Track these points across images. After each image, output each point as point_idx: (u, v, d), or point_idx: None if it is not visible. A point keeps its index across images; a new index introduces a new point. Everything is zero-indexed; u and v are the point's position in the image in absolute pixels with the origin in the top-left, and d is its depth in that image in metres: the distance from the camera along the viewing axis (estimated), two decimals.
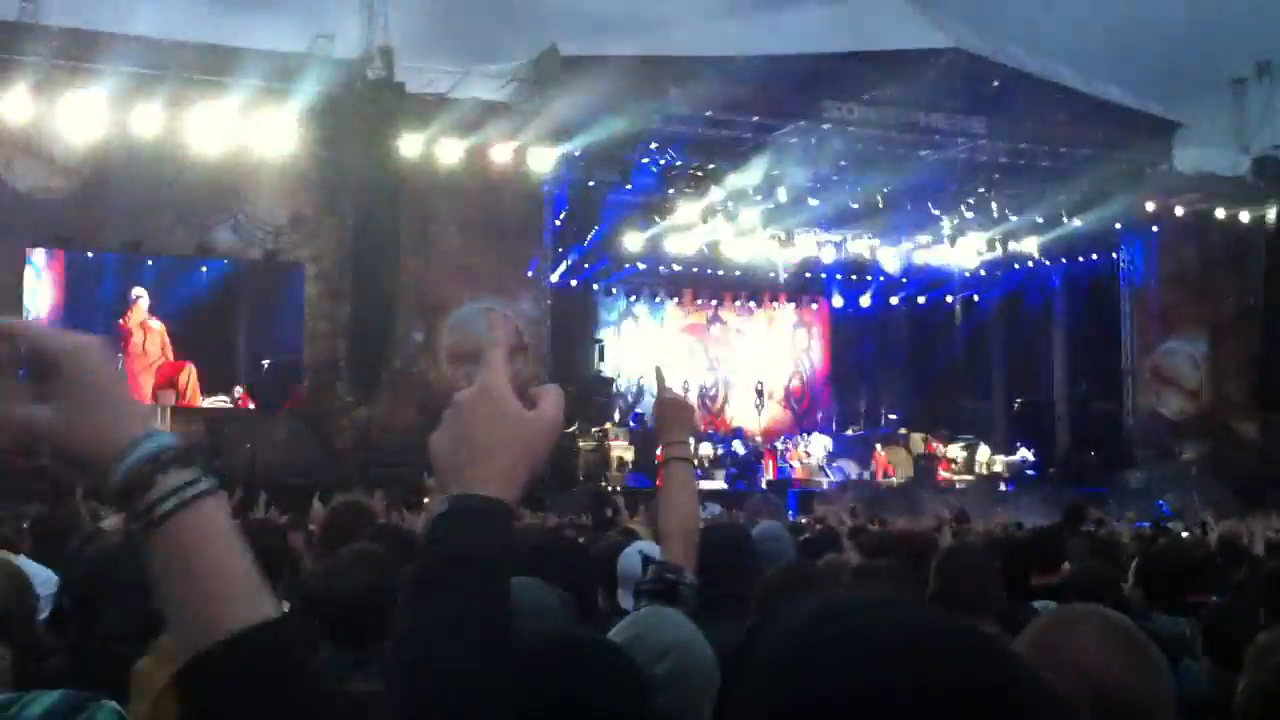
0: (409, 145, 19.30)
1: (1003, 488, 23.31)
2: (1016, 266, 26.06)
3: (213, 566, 1.27)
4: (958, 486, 22.95)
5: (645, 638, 2.51)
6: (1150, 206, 23.79)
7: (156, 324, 18.86)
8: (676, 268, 25.29)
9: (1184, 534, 11.99)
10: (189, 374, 18.31)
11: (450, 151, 19.87)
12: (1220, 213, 24.38)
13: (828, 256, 25.24)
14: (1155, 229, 24.34)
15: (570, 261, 23.21)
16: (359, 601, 2.87)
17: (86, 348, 1.32)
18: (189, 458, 1.29)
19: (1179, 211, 24.10)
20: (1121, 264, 24.81)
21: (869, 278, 27.29)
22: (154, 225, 18.51)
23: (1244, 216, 24.43)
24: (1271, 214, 24.34)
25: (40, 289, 19.02)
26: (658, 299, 27.33)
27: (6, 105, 17.36)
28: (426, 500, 9.77)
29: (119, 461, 1.27)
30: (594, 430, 22.76)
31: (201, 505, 1.28)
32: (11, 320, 1.35)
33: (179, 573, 1.27)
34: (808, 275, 26.93)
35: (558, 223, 21.56)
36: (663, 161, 21.10)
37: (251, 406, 19.23)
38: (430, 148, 19.68)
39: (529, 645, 1.83)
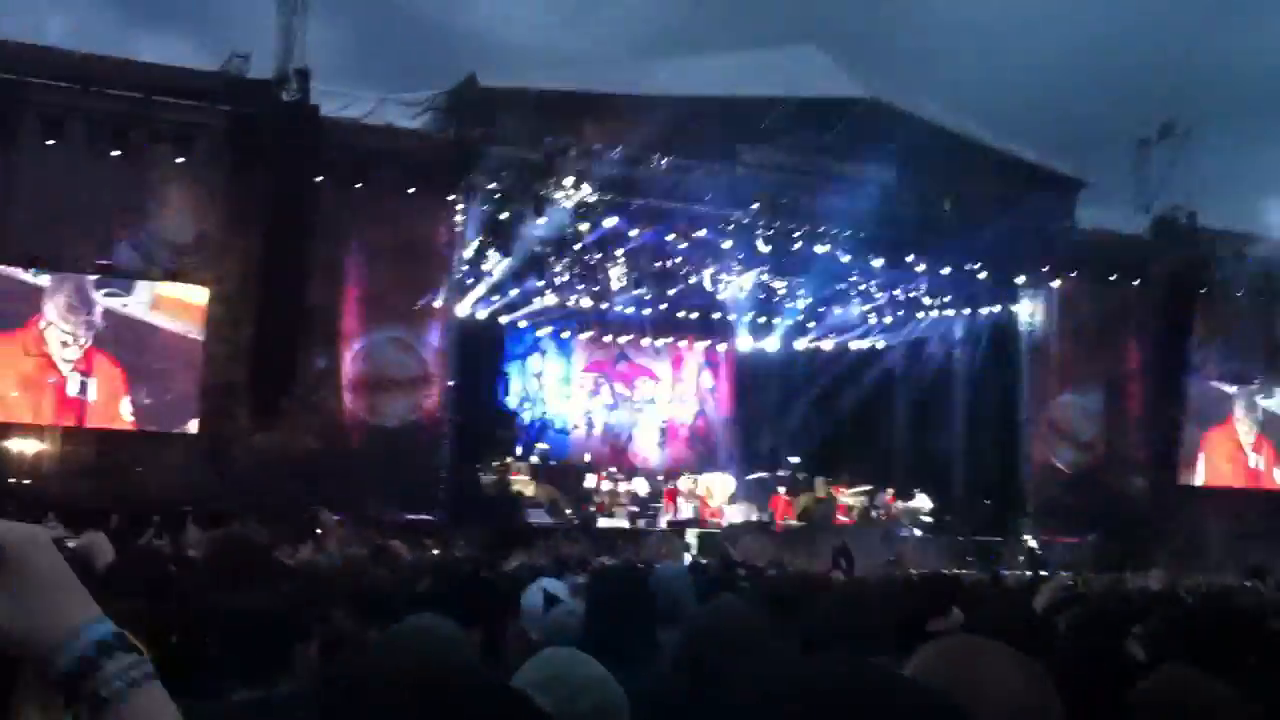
0: (321, 169, 19.09)
1: (902, 533, 23.57)
2: (920, 315, 26.46)
3: None
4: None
5: (564, 675, 2.54)
6: (1051, 263, 24.36)
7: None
8: (585, 303, 25.22)
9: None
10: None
11: (362, 178, 19.69)
12: (1119, 270, 25.06)
13: (736, 298, 25.43)
14: (1055, 284, 24.90)
15: (479, 293, 23.06)
16: (267, 634, 2.86)
17: (29, 539, 1.29)
18: (129, 642, 1.29)
19: (1079, 268, 24.71)
20: (1022, 317, 25.31)
21: (775, 320, 27.50)
22: (55, 239, 18.09)
23: (1141, 274, 25.11)
24: (1167, 272, 24.96)
25: None
26: (565, 334, 27.28)
27: None
28: (319, 531, 9.65)
29: (63, 649, 1.25)
30: (495, 464, 22.64)
31: (148, 686, 1.27)
32: None
33: None
34: (715, 316, 27.06)
35: (468, 253, 21.42)
36: (576, 197, 21.08)
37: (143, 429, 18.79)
38: (342, 173, 19.49)
39: (435, 689, 1.79)
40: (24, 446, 18.05)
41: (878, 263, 23.81)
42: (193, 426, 18.72)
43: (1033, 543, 23.05)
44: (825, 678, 1.23)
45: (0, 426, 18.00)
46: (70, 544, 6.81)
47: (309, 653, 2.95)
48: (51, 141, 17.73)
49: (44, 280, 18.27)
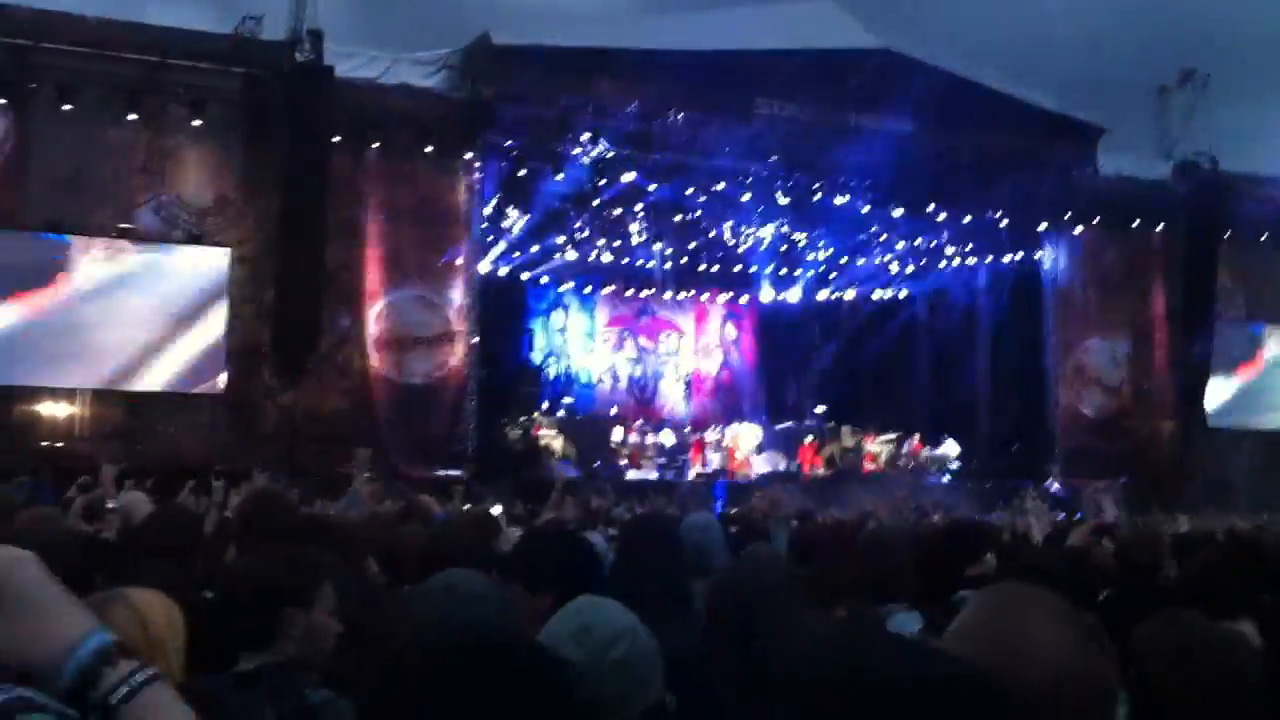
0: (337, 130, 19.03)
1: (929, 481, 23.59)
2: (942, 265, 26.31)
3: None
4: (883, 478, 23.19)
5: (594, 627, 2.53)
6: (1074, 209, 24.18)
7: None
8: (607, 258, 25.19)
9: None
10: None
11: (377, 137, 19.64)
12: (1142, 216, 24.87)
13: (757, 251, 25.36)
14: (1079, 231, 24.71)
15: (500, 250, 23.06)
16: (267, 598, 2.84)
17: (12, 562, 1.31)
18: (128, 649, 1.31)
19: (1102, 215, 24.53)
20: (1045, 264, 25.14)
21: (798, 272, 27.42)
22: (75, 204, 18.13)
23: (1164, 219, 24.94)
24: (1190, 215, 24.74)
25: None
26: (588, 289, 27.26)
27: None
28: (354, 486, 9.69)
29: (65, 663, 1.28)
30: (521, 419, 22.70)
31: (152, 688, 1.30)
32: None
33: None
34: (736, 269, 27.00)
35: (488, 211, 21.38)
36: (594, 153, 20.98)
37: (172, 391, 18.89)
38: (359, 133, 19.45)
39: (454, 650, 1.80)
40: (54, 409, 18.19)
41: (898, 213, 23.64)
42: (220, 387, 18.82)
43: (1056, 487, 23.01)
44: (852, 646, 1.20)
45: (29, 390, 18.12)
46: (111, 504, 6.90)
47: (305, 619, 2.84)
48: (66, 107, 17.72)
49: (65, 243, 18.30)
